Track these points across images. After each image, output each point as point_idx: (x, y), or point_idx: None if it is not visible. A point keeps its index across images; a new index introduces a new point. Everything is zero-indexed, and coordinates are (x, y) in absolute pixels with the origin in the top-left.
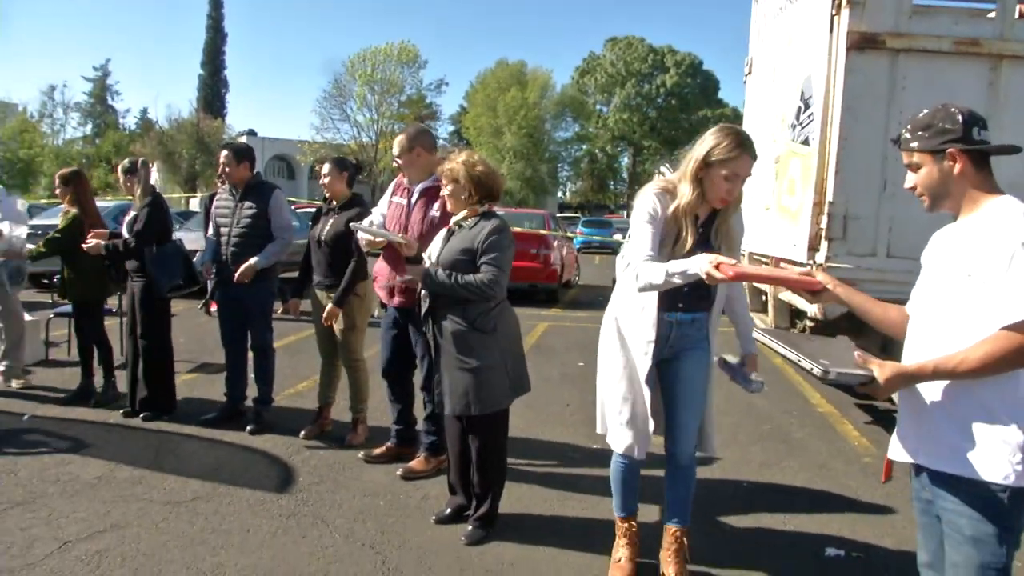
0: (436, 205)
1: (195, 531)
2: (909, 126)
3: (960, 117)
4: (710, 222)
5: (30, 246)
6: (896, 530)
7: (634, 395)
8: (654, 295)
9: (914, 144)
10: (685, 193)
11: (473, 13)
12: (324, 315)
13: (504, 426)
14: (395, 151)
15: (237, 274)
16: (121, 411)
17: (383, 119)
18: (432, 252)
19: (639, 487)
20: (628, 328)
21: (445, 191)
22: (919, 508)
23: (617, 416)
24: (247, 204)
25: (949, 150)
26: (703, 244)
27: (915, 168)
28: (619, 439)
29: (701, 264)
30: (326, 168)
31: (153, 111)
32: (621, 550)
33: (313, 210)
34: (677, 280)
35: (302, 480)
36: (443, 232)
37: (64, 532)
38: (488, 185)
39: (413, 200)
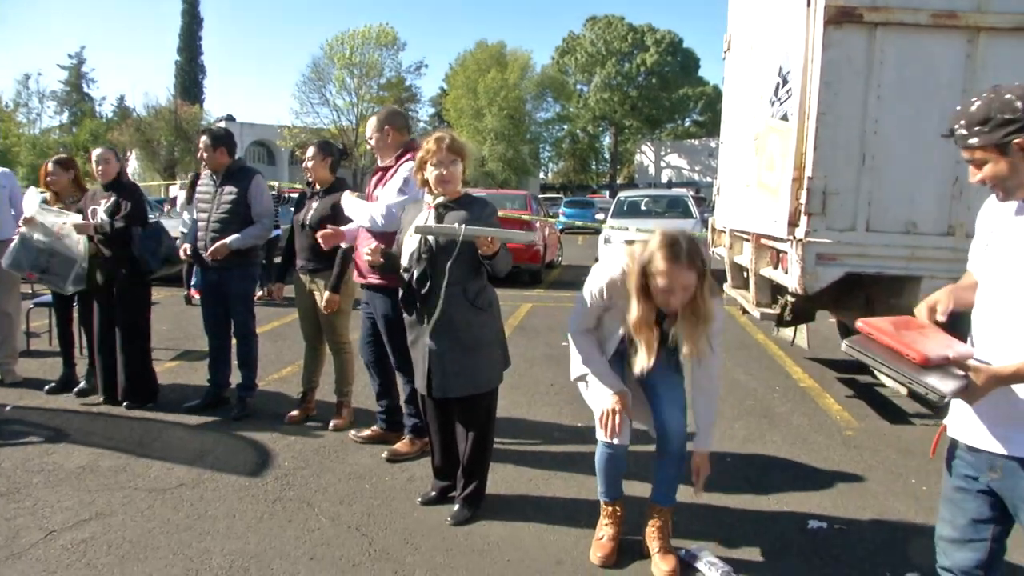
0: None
1: (180, 518)
2: (963, 120)
3: (1020, 104)
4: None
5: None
6: (878, 502)
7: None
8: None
9: (973, 141)
10: (633, 309)
11: None
12: (324, 304)
13: (495, 404)
14: (367, 132)
15: (210, 251)
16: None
17: (363, 102)
18: (412, 239)
19: (623, 472)
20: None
21: (444, 170)
22: (956, 485)
23: (598, 404)
24: (227, 189)
25: (1015, 141)
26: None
27: (979, 164)
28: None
29: (604, 400)
30: (310, 152)
31: (130, 98)
32: (604, 529)
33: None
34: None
35: (287, 464)
36: (424, 215)
37: (49, 522)
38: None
39: (375, 180)
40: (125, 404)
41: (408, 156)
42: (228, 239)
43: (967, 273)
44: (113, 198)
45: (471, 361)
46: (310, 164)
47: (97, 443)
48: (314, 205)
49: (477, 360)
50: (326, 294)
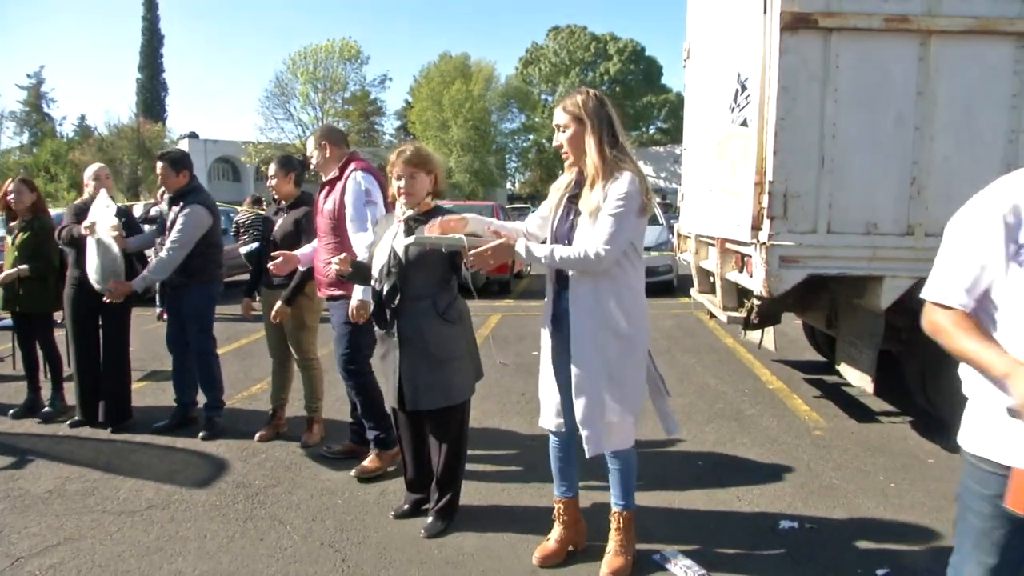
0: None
1: (151, 539)
2: None
3: None
4: (579, 190)
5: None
6: (848, 500)
7: (542, 371)
8: (553, 271)
9: None
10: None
11: (413, 8)
12: (273, 313)
13: (468, 416)
14: (307, 152)
15: (107, 295)
16: (69, 423)
17: (328, 116)
18: (396, 246)
19: (566, 466)
20: (545, 304)
21: (403, 183)
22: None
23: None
24: (175, 210)
25: None
26: (575, 207)
27: None
28: (542, 412)
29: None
30: (272, 169)
31: (91, 117)
32: (553, 531)
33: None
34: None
35: (258, 483)
36: (393, 228)
37: (16, 548)
38: (439, 177)
39: (324, 194)
40: (111, 429)
41: (353, 165)
42: (134, 281)
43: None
44: (117, 205)
45: (442, 374)
46: (273, 181)
47: (64, 467)
48: (279, 221)
49: (448, 373)
50: (278, 304)
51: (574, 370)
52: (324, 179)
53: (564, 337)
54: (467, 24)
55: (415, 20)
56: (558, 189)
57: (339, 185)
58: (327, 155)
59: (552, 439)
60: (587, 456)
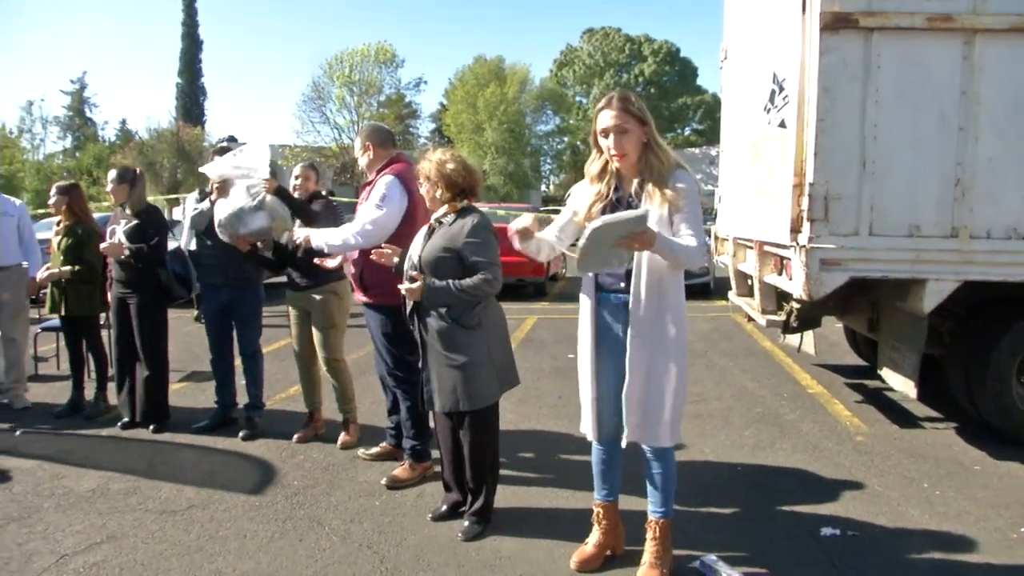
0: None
1: (191, 539)
2: None
3: None
4: (640, 189)
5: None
6: (891, 508)
7: (584, 379)
8: (592, 278)
9: None
10: (592, 157)
11: (448, 11)
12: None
13: (495, 420)
14: (355, 152)
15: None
16: (120, 424)
17: (363, 120)
18: (413, 252)
19: (610, 472)
20: (580, 312)
21: (421, 190)
22: None
23: (581, 399)
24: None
25: None
26: (622, 205)
27: None
28: (582, 422)
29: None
30: (300, 170)
31: (132, 122)
32: (592, 535)
33: None
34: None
35: (297, 483)
36: (423, 230)
37: (61, 546)
38: (460, 182)
39: (361, 196)
40: (152, 429)
41: (386, 170)
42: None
43: None
44: (135, 221)
45: (457, 378)
46: (298, 182)
47: (107, 466)
48: (298, 222)
49: (462, 377)
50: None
51: (632, 366)
52: (367, 180)
53: (611, 341)
54: (501, 27)
55: (450, 23)
56: (600, 196)
57: (367, 190)
58: (371, 156)
59: (595, 445)
60: (625, 442)
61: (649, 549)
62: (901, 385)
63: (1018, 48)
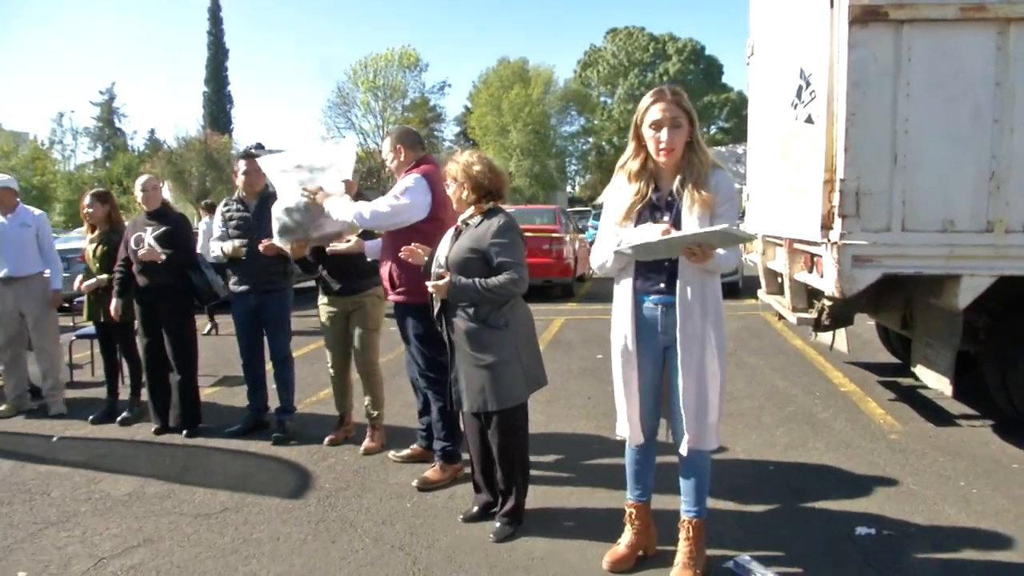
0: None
1: (226, 542)
2: None
3: None
4: (681, 188)
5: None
6: (927, 506)
7: (622, 383)
8: (628, 279)
9: None
10: (629, 147)
11: (471, 14)
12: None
13: (523, 421)
14: (384, 154)
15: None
16: (153, 430)
17: (388, 124)
18: (440, 254)
19: (645, 472)
20: (615, 314)
21: (448, 191)
22: None
23: (616, 400)
24: (264, 215)
25: None
26: (665, 210)
27: None
28: (618, 424)
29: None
30: None
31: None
32: (624, 535)
33: None
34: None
35: (328, 486)
36: (450, 232)
37: (99, 549)
38: (486, 184)
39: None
40: (185, 433)
41: (412, 169)
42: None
43: None
44: (164, 227)
45: (483, 378)
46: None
47: (142, 471)
48: None
49: (490, 377)
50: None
51: (685, 371)
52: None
53: (649, 343)
54: (525, 28)
55: (473, 26)
56: (640, 195)
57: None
58: (402, 159)
59: (630, 446)
60: (683, 452)
61: (682, 549)
62: (935, 382)
63: None
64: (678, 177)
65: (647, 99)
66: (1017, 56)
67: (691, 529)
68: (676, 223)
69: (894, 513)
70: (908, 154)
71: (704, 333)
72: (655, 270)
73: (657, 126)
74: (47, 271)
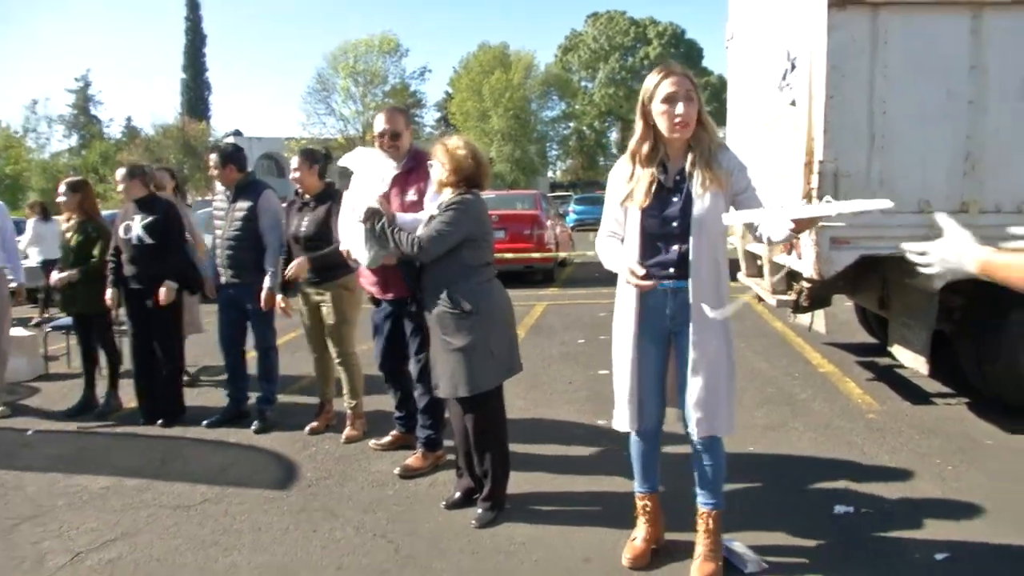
0: (412, 191)
1: (206, 533)
2: None
3: None
4: (692, 168)
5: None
6: (903, 484)
7: (624, 368)
8: (633, 262)
9: None
10: (636, 130)
11: None
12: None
13: (499, 405)
14: (383, 129)
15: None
16: (140, 422)
17: (368, 110)
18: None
19: (654, 460)
20: (618, 298)
21: (431, 171)
22: None
23: (616, 389)
24: (239, 205)
25: None
26: (674, 191)
27: None
28: (615, 416)
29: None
30: (295, 162)
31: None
32: (638, 528)
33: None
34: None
35: (310, 475)
36: (426, 217)
37: (75, 544)
38: (467, 170)
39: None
40: (160, 423)
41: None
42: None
43: None
44: (152, 217)
45: (456, 363)
46: (297, 174)
47: (120, 463)
48: (306, 216)
49: (460, 362)
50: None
51: (697, 351)
52: (397, 171)
53: (654, 330)
54: (505, 13)
55: (453, 11)
56: (654, 177)
57: (418, 177)
58: (408, 140)
59: (635, 437)
60: (696, 437)
61: (702, 541)
62: (912, 362)
63: None
64: (689, 156)
65: (654, 76)
66: (990, 39)
67: (711, 521)
68: (687, 205)
69: (872, 491)
70: (885, 135)
71: (716, 319)
72: (664, 254)
73: (671, 99)
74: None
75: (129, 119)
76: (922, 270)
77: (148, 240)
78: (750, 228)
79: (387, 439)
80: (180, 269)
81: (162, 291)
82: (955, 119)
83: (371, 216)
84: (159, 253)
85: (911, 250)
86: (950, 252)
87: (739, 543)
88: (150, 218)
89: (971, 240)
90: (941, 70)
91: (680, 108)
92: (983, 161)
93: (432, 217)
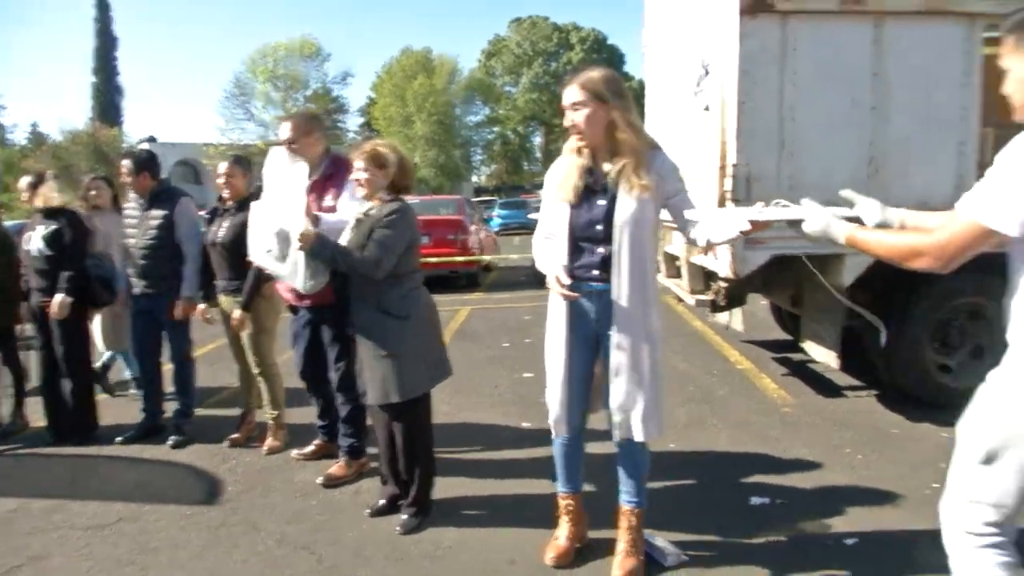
0: (329, 196)
1: (121, 553)
2: None
3: None
4: (619, 172)
5: None
6: (816, 474)
7: (557, 371)
8: (562, 267)
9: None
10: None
11: (373, 3)
12: (233, 322)
13: (426, 411)
14: (288, 135)
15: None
16: (48, 440)
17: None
18: (343, 242)
19: (578, 462)
20: (551, 301)
21: (363, 175)
22: None
23: (548, 392)
24: (153, 213)
25: None
26: (600, 194)
27: None
28: (551, 415)
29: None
30: (225, 168)
31: (45, 124)
32: (561, 527)
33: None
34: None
35: (231, 489)
36: (352, 222)
37: None
38: (394, 174)
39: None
40: (73, 442)
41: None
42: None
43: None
44: (54, 225)
45: (387, 370)
46: (231, 179)
47: (28, 485)
48: (225, 222)
49: (391, 368)
50: (236, 312)
51: (619, 354)
52: (312, 177)
53: (583, 332)
54: (428, 18)
55: (376, 15)
56: (580, 172)
57: (336, 183)
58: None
59: (559, 437)
60: (616, 439)
61: (624, 538)
62: (824, 357)
63: (925, 30)
64: (615, 160)
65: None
66: (891, 48)
67: (633, 518)
68: (611, 208)
69: (787, 482)
70: (794, 140)
71: (639, 321)
72: (589, 256)
73: (565, 109)
74: None
75: (35, 125)
76: (798, 230)
77: (47, 251)
78: (687, 233)
79: (310, 448)
80: (75, 282)
81: (53, 304)
82: (859, 125)
83: (315, 242)
84: (58, 265)
85: (792, 216)
86: (825, 221)
87: (660, 537)
88: (51, 228)
89: (841, 218)
90: (846, 78)
91: (567, 118)
92: (886, 166)
93: (360, 220)
